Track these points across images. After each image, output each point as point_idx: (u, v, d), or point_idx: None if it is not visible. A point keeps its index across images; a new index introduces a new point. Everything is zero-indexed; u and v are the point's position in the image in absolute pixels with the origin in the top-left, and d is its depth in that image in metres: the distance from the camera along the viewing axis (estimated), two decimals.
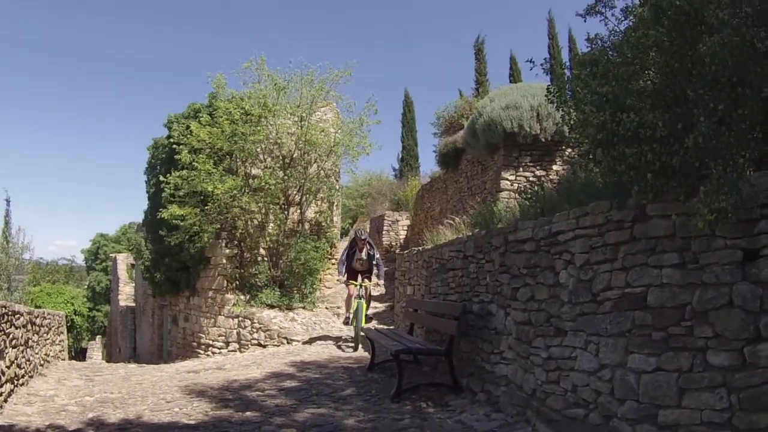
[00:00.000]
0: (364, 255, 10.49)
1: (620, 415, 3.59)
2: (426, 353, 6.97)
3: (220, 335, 13.15)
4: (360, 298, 10.11)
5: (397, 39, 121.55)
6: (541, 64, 4.05)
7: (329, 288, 15.36)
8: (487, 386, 5.68)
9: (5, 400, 5.85)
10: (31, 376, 7.43)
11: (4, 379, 5.84)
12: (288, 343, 11.59)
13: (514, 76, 23.07)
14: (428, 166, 24.79)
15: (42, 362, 8.40)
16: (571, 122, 4.01)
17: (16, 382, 6.46)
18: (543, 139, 12.03)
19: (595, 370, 3.89)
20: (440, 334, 7.29)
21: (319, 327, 12.56)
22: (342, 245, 21.04)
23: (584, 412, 3.92)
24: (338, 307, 14.20)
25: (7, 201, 28.86)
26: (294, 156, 14.09)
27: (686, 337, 3.29)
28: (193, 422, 5.37)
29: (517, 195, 9.12)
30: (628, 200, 3.67)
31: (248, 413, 5.27)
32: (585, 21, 3.60)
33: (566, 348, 4.27)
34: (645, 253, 3.59)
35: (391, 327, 10.97)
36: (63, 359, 10.75)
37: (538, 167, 12.17)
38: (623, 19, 3.62)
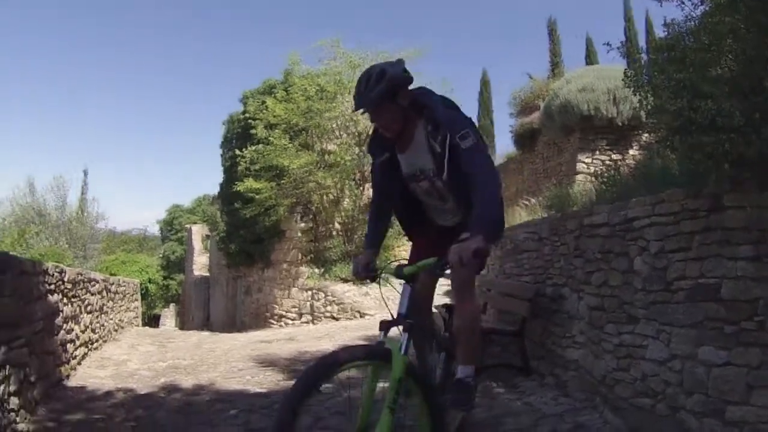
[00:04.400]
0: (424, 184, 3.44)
1: (688, 408, 3.54)
2: (497, 333, 6.97)
3: (293, 307, 13.49)
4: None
5: (473, 17, 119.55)
6: (618, 48, 3.96)
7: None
8: (556, 370, 5.68)
9: (79, 363, 6.22)
10: (104, 341, 7.83)
11: (78, 342, 6.20)
12: (361, 316, 11.80)
13: (591, 58, 22.57)
14: (504, 146, 24.45)
15: (116, 328, 8.84)
16: (648, 107, 3.92)
17: (89, 346, 6.83)
18: (619, 123, 11.80)
19: (665, 360, 3.84)
20: (512, 315, 7.28)
21: (391, 302, 12.69)
22: None
23: (652, 402, 3.89)
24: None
25: (85, 172, 30.50)
26: (369, 132, 14.20)
27: (757, 332, 3.21)
28: (263, 390, 5.59)
29: (592, 178, 8.94)
30: (703, 189, 3.58)
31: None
32: (661, 5, 3.50)
33: (637, 336, 4.22)
34: (719, 244, 3.50)
35: None
36: (136, 326, 11.26)
37: (614, 151, 11.89)
38: (699, 4, 3.50)
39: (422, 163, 3.30)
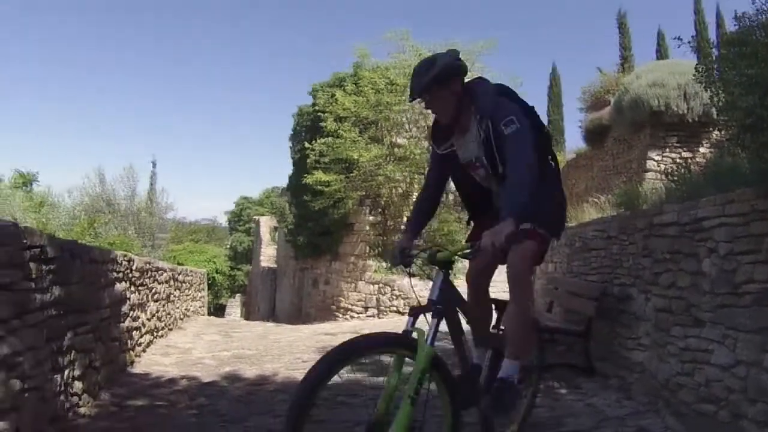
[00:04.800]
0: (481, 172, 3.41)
1: (750, 417, 3.40)
2: (563, 333, 6.88)
3: (359, 300, 13.59)
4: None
5: (542, 10, 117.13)
6: (689, 42, 3.85)
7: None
8: (620, 372, 5.56)
9: (144, 350, 6.39)
10: (170, 329, 8.02)
11: (143, 330, 6.38)
12: None
13: (662, 53, 21.95)
14: (574, 141, 24.07)
15: (182, 316, 9.06)
16: (719, 104, 3.79)
17: (155, 334, 7.02)
18: (690, 120, 11.43)
19: (729, 366, 3.70)
20: (578, 315, 7.16)
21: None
22: None
23: (714, 409, 3.76)
24: None
25: (153, 164, 31.37)
26: None
27: None
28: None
29: (662, 176, 8.68)
30: None
31: (381, 378, 5.48)
32: None
33: (703, 340, 4.08)
34: None
35: None
36: (202, 315, 11.53)
37: (684, 148, 11.50)
38: None
39: (476, 152, 3.31)
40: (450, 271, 3.12)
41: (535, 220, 3.15)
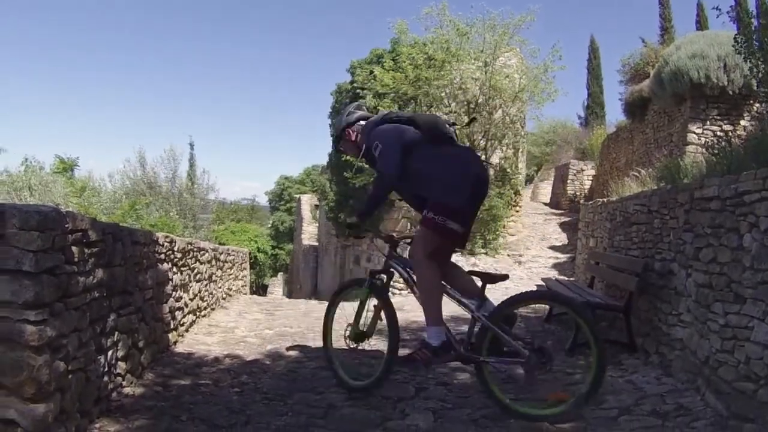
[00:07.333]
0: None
1: None
2: (604, 308, 6.83)
3: (400, 277, 13.61)
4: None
5: None
6: (728, 12, 3.73)
7: (512, 235, 15.29)
8: (661, 348, 5.49)
9: (187, 330, 6.45)
10: (213, 309, 8.07)
11: (186, 310, 6.44)
12: None
13: (702, 23, 21.26)
14: (614, 114, 23.78)
15: (224, 296, 9.11)
16: (759, 75, 3.67)
17: (198, 313, 7.08)
18: (730, 92, 11.16)
19: None
20: (620, 290, 7.10)
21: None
22: (527, 193, 20.16)
23: (754, 387, 3.68)
24: (520, 255, 14.15)
25: (191, 145, 31.78)
26: (479, 101, 14.07)
27: None
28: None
29: (703, 149, 8.47)
30: None
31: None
32: None
33: (744, 316, 4.00)
34: None
35: (571, 279, 10.75)
36: (245, 294, 11.57)
37: (725, 121, 11.22)
38: None
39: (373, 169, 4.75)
40: (395, 249, 4.88)
41: (427, 206, 4.23)
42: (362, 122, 4.77)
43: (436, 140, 4.42)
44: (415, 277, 4.44)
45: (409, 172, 4.31)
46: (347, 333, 4.79)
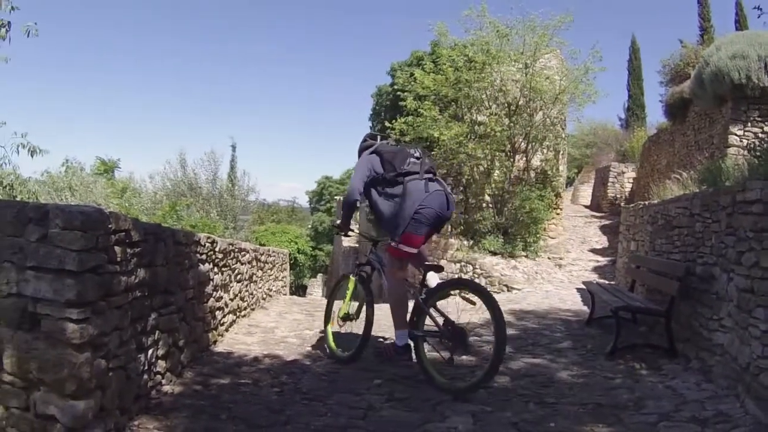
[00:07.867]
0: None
1: None
2: (645, 312, 6.76)
3: (441, 278, 13.59)
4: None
5: None
6: None
7: (553, 238, 15.15)
8: (701, 354, 5.40)
9: (227, 330, 6.49)
10: (252, 309, 8.12)
11: (227, 310, 6.49)
12: (508, 290, 11.74)
13: (741, 23, 20.84)
14: (655, 116, 23.40)
15: (264, 296, 9.15)
16: None
17: (238, 313, 7.13)
18: None
19: None
20: (661, 294, 6.99)
21: (540, 277, 12.54)
22: (567, 195, 19.87)
23: None
24: (560, 258, 14.01)
25: (233, 147, 32.06)
26: (519, 103, 13.99)
27: None
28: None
29: (745, 151, 8.28)
30: None
31: (462, 356, 5.51)
32: None
33: None
34: None
35: (612, 282, 10.61)
36: (285, 294, 11.61)
37: (767, 123, 10.91)
38: None
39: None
40: (375, 246, 6.14)
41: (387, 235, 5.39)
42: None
43: (397, 176, 5.17)
44: (384, 273, 5.64)
45: (370, 202, 5.42)
46: (339, 313, 5.93)
